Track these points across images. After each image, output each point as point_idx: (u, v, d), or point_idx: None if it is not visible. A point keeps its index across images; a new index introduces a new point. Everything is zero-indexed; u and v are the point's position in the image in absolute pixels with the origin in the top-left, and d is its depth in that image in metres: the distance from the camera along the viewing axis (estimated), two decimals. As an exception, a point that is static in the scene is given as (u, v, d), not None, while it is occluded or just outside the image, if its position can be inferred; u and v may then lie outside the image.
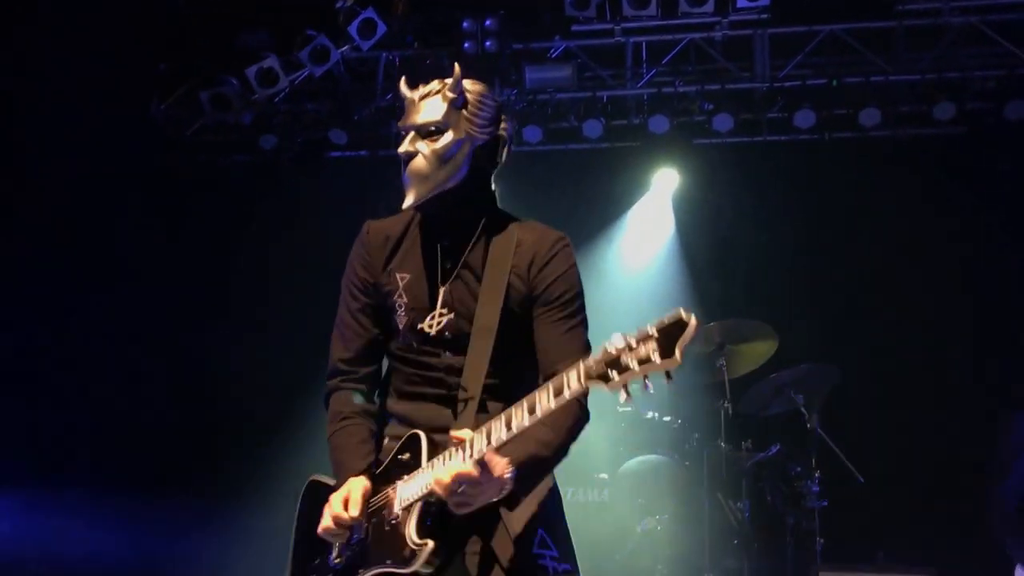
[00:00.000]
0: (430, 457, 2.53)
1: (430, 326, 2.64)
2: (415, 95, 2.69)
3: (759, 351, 6.25)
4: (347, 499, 2.55)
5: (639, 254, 7.97)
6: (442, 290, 2.66)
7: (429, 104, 2.65)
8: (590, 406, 2.63)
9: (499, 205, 2.79)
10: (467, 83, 2.69)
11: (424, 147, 2.62)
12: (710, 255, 7.63)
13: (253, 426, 7.34)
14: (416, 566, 2.43)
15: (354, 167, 7.92)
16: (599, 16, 7.21)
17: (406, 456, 2.59)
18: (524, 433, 2.36)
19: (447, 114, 2.62)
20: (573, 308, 2.64)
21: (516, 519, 2.54)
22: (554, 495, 2.69)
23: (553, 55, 7.60)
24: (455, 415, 2.59)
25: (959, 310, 6.99)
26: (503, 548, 2.53)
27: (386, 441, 2.71)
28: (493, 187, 2.77)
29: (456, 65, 2.67)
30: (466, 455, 2.34)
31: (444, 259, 2.69)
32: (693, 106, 7.56)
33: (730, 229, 7.54)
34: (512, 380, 2.57)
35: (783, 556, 6.08)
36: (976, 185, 7.07)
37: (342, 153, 7.92)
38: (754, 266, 7.36)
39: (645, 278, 7.83)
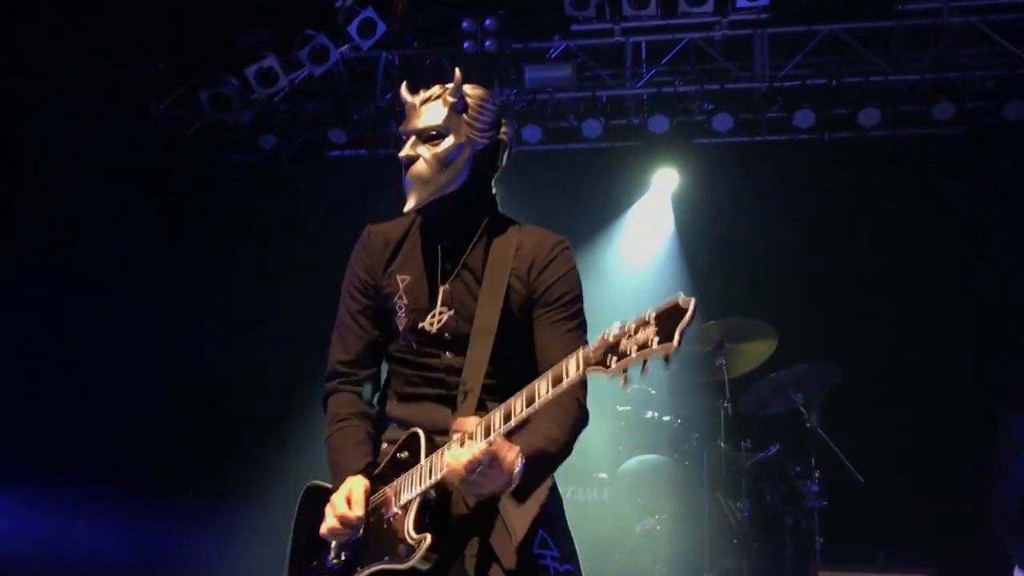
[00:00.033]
0: (428, 455, 2.53)
1: (431, 324, 2.65)
2: (416, 100, 2.70)
3: (758, 350, 6.25)
4: (349, 497, 2.55)
5: (639, 254, 7.97)
6: (442, 289, 2.67)
7: (430, 109, 2.66)
8: (590, 405, 2.63)
9: (499, 205, 2.80)
10: (468, 87, 2.70)
11: (425, 151, 2.63)
12: (709, 255, 7.63)
13: (253, 426, 7.34)
14: (414, 560, 2.43)
15: (354, 167, 7.93)
16: (599, 16, 7.21)
17: (405, 454, 2.59)
18: (531, 428, 2.38)
19: (448, 118, 2.64)
20: (572, 310, 2.66)
21: (517, 519, 2.55)
22: (554, 495, 2.69)
23: (553, 55, 7.60)
24: (455, 415, 2.59)
25: (959, 310, 6.99)
26: (503, 548, 2.53)
27: (384, 446, 2.71)
28: (494, 191, 2.79)
29: (457, 70, 2.69)
30: (477, 441, 2.35)
31: (444, 260, 2.70)
32: (693, 106, 7.56)
33: (730, 229, 7.54)
34: (512, 381, 2.57)
35: (782, 556, 6.07)
36: (976, 185, 7.07)
37: (342, 152, 7.93)
38: (753, 266, 7.36)
39: (645, 278, 7.83)
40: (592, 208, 7.84)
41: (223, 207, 7.86)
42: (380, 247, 2.78)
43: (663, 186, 7.91)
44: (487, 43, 7.27)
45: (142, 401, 7.33)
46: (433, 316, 2.65)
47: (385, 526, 2.54)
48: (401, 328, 2.69)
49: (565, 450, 2.55)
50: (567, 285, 2.66)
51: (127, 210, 7.42)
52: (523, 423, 2.37)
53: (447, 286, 2.67)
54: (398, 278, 2.72)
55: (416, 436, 2.58)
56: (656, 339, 2.11)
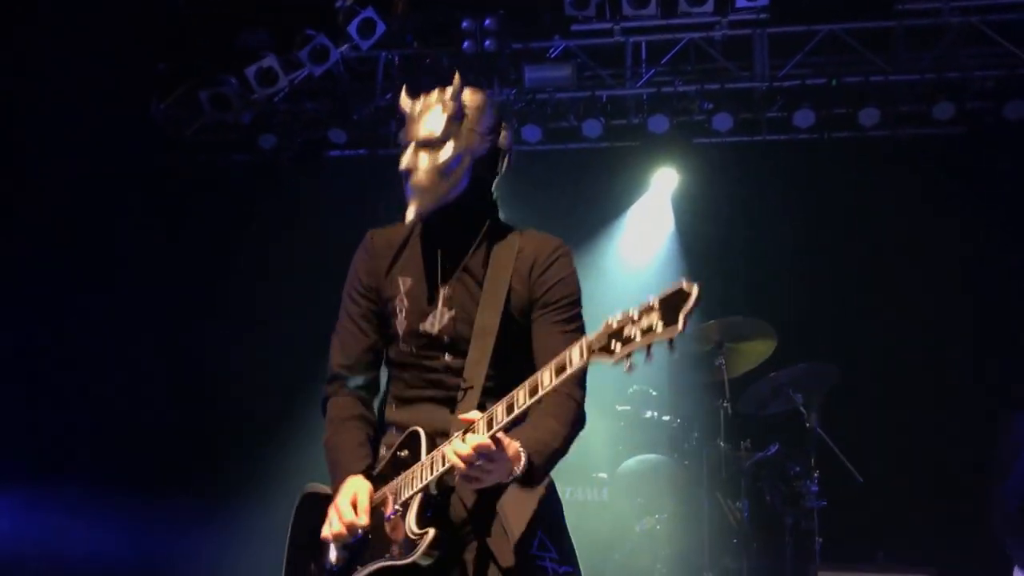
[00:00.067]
0: (429, 453, 2.52)
1: (432, 325, 2.66)
2: (415, 108, 2.73)
3: (758, 350, 6.24)
4: (355, 503, 2.54)
5: (638, 253, 7.97)
6: (443, 292, 2.69)
7: (429, 117, 2.68)
8: (589, 405, 2.64)
9: (499, 206, 2.82)
10: (466, 94, 2.72)
11: (425, 160, 2.65)
12: (709, 254, 7.63)
13: (253, 426, 7.34)
14: (416, 555, 2.43)
15: (353, 166, 7.93)
16: (599, 15, 7.21)
17: (405, 453, 2.59)
18: (531, 423, 2.41)
19: (447, 127, 2.66)
20: (572, 312, 2.67)
21: (514, 520, 2.55)
22: (553, 497, 2.70)
23: (552, 54, 7.59)
24: (454, 415, 2.59)
25: (959, 310, 6.99)
26: (501, 549, 2.53)
27: (383, 451, 2.71)
28: (494, 195, 2.81)
29: (456, 78, 2.70)
30: (482, 430, 2.35)
31: (445, 263, 2.72)
32: (692, 105, 7.56)
33: (729, 228, 7.54)
34: (511, 382, 2.56)
35: (782, 556, 6.07)
36: (976, 185, 7.07)
37: (341, 152, 7.92)
38: (753, 265, 7.36)
39: (644, 277, 7.83)
40: (592, 208, 7.84)
41: (223, 207, 7.86)
42: (382, 250, 2.80)
43: (663, 186, 7.92)
44: (487, 43, 7.27)
45: (142, 401, 7.33)
46: (434, 318, 2.67)
47: (385, 524, 2.53)
48: (401, 331, 2.70)
49: (565, 445, 2.55)
50: (567, 288, 2.68)
51: (127, 210, 7.42)
52: (524, 416, 2.38)
53: (448, 289, 2.68)
54: (399, 281, 2.74)
55: (416, 435, 2.58)
56: (660, 323, 2.11)
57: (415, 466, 2.53)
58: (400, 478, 2.56)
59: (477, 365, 2.60)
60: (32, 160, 6.87)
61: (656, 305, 2.13)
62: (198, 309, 7.59)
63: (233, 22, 7.41)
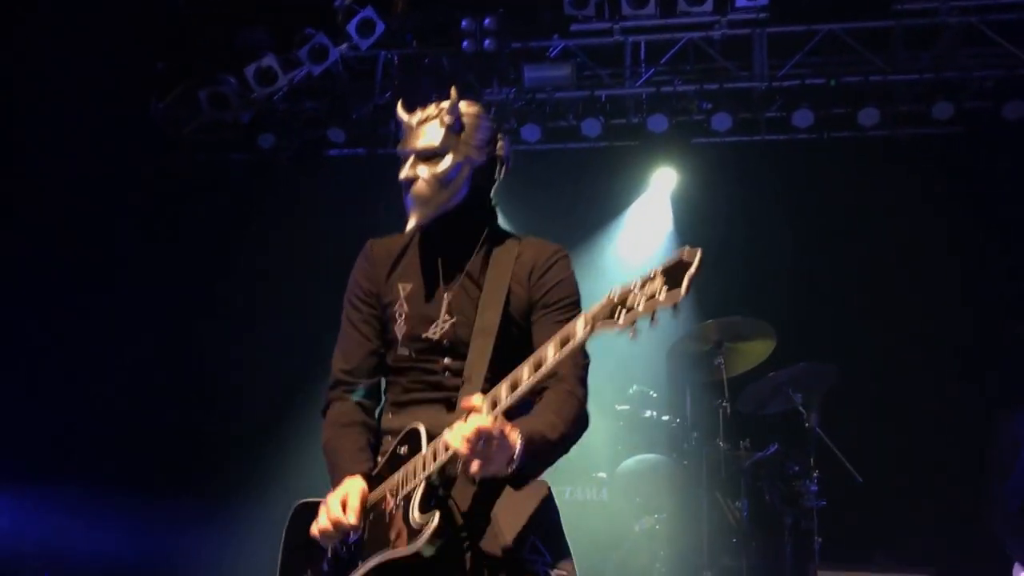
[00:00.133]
0: (430, 444, 2.52)
1: (434, 332, 2.68)
2: (413, 120, 2.76)
3: (757, 350, 6.24)
4: (345, 502, 2.54)
5: (637, 253, 7.97)
6: (443, 297, 2.70)
7: (427, 130, 2.72)
8: (589, 405, 2.64)
9: (499, 204, 2.85)
10: (463, 105, 2.75)
11: (424, 171, 2.69)
12: (708, 254, 7.60)
13: (253, 426, 7.34)
14: (420, 542, 2.41)
15: (352, 166, 7.93)
16: (598, 15, 7.21)
17: (404, 450, 2.59)
18: (531, 415, 2.42)
19: (445, 139, 2.70)
20: (572, 313, 2.66)
21: (507, 525, 2.55)
22: (549, 503, 2.69)
23: (552, 54, 7.59)
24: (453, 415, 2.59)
25: (958, 309, 6.99)
26: (493, 554, 2.52)
27: (380, 459, 2.70)
28: (493, 202, 2.84)
29: (452, 90, 2.74)
30: (485, 411, 2.34)
31: (445, 269, 2.74)
32: (692, 105, 7.56)
33: (728, 228, 7.53)
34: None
35: (781, 555, 6.08)
36: (974, 185, 7.08)
37: (340, 151, 7.93)
38: (752, 265, 7.35)
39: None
40: (591, 207, 7.84)
41: (222, 206, 7.86)
42: (382, 257, 2.83)
43: (662, 185, 7.92)
44: (486, 42, 7.26)
45: (142, 401, 7.34)
46: (436, 324, 2.68)
47: (386, 519, 2.53)
48: (400, 335, 2.71)
49: (564, 441, 2.55)
50: (566, 289, 2.71)
51: (127, 210, 7.42)
52: (528, 406, 2.36)
53: (448, 294, 2.71)
54: (399, 286, 2.76)
55: (416, 431, 2.58)
56: (664, 290, 2.13)
57: (415, 458, 2.52)
58: (400, 473, 2.55)
59: (477, 364, 2.61)
60: (32, 160, 6.88)
61: (658, 274, 2.16)
62: (197, 309, 7.59)
63: (232, 21, 7.41)
